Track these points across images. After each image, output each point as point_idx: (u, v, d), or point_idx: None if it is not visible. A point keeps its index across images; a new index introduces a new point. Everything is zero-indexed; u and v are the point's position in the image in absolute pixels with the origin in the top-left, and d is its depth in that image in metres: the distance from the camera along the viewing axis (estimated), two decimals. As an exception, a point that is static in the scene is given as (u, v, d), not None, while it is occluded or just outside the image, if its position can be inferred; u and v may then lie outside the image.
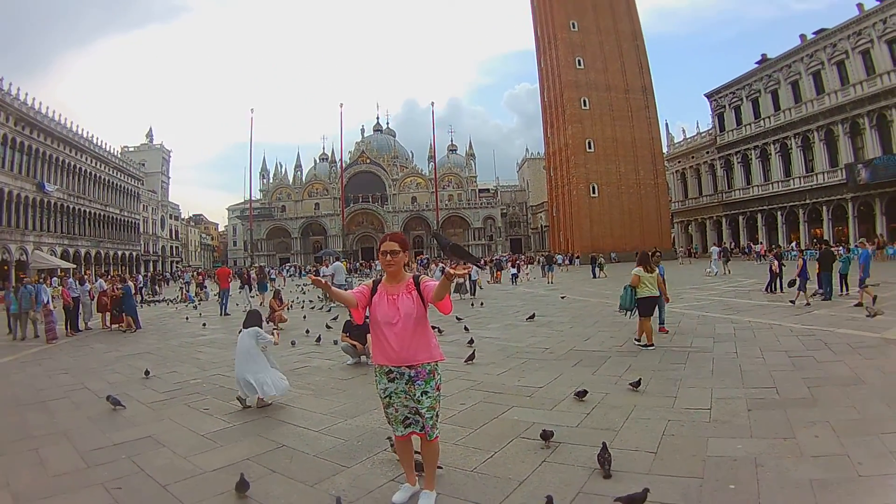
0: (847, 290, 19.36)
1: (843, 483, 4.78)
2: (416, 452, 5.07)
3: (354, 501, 5.01)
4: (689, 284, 28.26)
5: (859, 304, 16.18)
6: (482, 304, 22.46)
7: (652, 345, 11.68)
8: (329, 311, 22.58)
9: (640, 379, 7.94)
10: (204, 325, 19.92)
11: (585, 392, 7.80)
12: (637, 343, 11.96)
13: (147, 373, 10.42)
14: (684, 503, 4.67)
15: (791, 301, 18.01)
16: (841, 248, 28.46)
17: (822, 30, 51.38)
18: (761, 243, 56.89)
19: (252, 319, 8.80)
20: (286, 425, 7.33)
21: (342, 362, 11.72)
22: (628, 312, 12.54)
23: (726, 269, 35.76)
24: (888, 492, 4.60)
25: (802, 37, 54.25)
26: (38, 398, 7.83)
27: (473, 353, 11.39)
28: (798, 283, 18.66)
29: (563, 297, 24.44)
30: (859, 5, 47.11)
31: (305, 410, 8.13)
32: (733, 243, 62.38)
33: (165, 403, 8.84)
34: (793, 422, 6.39)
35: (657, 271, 12.52)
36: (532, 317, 17.50)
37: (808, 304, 17.50)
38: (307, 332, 15.17)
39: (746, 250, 56.47)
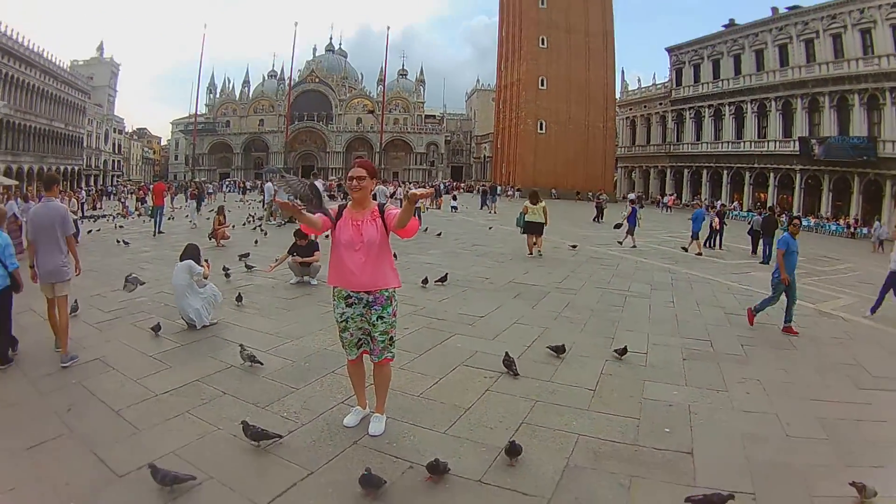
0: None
1: (771, 440, 5.01)
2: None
3: (307, 423, 5.01)
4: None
5: (699, 254, 19.57)
6: (426, 229, 21.78)
7: (531, 254, 16.68)
8: (281, 226, 21.88)
9: (626, 347, 7.26)
10: (123, 242, 17.63)
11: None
12: (530, 255, 16.60)
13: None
14: (622, 441, 4.84)
15: (619, 241, 20.90)
16: (784, 216, 29.24)
17: (796, 7, 51.07)
18: (670, 195, 59.88)
19: (188, 252, 8.57)
20: (233, 345, 6.98)
21: (285, 281, 11.57)
22: (521, 230, 17.59)
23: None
24: (814, 454, 4.81)
25: (774, 9, 53.83)
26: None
27: (446, 275, 11.80)
28: (627, 227, 21.14)
29: (490, 229, 25.00)
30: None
31: (252, 330, 8.00)
32: (672, 193, 63.33)
33: (111, 324, 8.38)
34: (726, 376, 6.65)
35: (542, 204, 16.89)
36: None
37: (634, 245, 20.39)
38: (244, 259, 13.31)
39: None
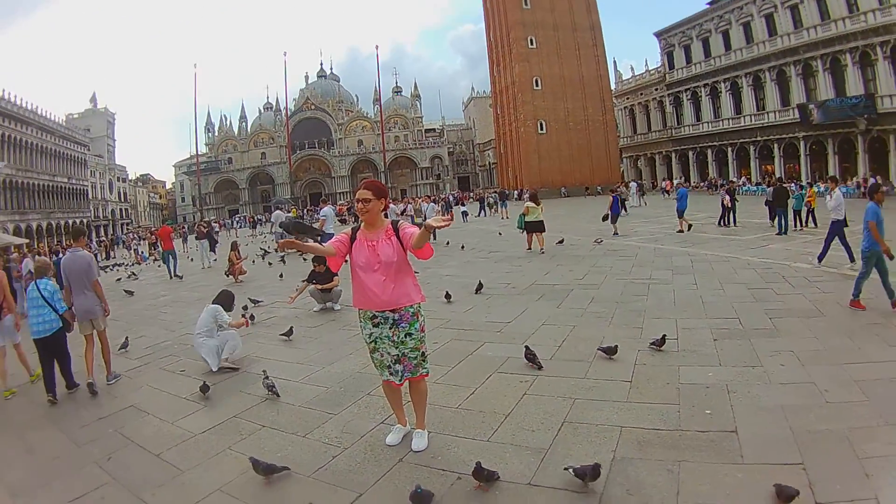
0: (802, 225, 19.98)
1: (812, 408, 4.99)
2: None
3: (349, 447, 5.03)
4: (641, 217, 28.70)
5: (680, 231, 20.54)
6: (448, 242, 22.14)
7: (529, 248, 18.29)
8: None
9: (665, 335, 7.13)
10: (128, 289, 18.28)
11: (615, 349, 6.87)
12: (529, 250, 18.18)
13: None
14: (665, 428, 4.84)
15: (615, 234, 20.99)
16: (793, 184, 29.11)
17: (776, -28, 50.90)
18: (665, 180, 58.70)
19: (221, 297, 8.68)
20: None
21: (308, 310, 11.58)
22: (522, 231, 19.08)
23: (642, 201, 40.99)
24: (855, 417, 4.79)
25: (756, -21, 53.81)
26: (12, 382, 7.72)
27: (480, 283, 11.97)
28: (609, 216, 21.60)
29: (500, 234, 24.95)
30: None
31: (282, 361, 8.03)
32: (682, 177, 62.83)
33: (140, 370, 8.51)
34: (758, 351, 6.61)
35: (541, 205, 18.48)
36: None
37: (616, 234, 21.05)
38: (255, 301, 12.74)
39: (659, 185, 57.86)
